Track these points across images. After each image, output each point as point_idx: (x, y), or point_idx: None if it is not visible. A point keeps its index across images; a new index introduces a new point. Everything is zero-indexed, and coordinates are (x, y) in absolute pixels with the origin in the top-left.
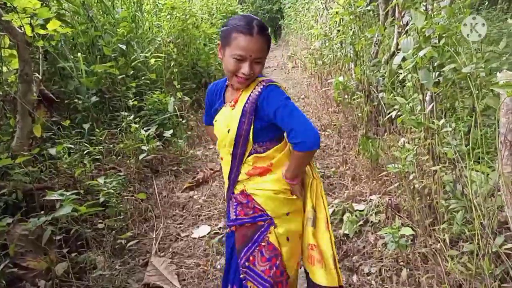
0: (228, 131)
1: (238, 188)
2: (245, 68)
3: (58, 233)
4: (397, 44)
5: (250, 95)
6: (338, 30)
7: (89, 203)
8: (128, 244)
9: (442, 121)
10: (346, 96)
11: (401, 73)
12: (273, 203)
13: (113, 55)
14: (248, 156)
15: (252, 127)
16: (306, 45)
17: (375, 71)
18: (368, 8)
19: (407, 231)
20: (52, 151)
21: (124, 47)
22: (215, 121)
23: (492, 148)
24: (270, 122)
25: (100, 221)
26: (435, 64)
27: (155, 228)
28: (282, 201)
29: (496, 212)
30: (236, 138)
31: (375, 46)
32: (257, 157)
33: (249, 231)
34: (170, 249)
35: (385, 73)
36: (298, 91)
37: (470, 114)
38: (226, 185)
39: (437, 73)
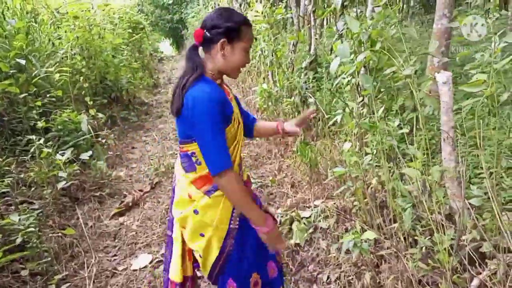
0: (239, 122)
1: (245, 175)
2: (249, 58)
3: None
4: (315, 50)
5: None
6: (256, 38)
7: (5, 247)
8: None
9: (397, 122)
10: (269, 104)
11: (329, 78)
12: None
13: (10, 71)
14: None
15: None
16: None
17: (296, 77)
18: (289, 15)
19: (370, 235)
20: None
21: (23, 62)
22: (234, 118)
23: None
24: None
25: (22, 266)
26: (368, 68)
27: (86, 264)
28: None
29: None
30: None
31: (292, 53)
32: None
33: None
34: (108, 287)
35: (309, 78)
36: None
37: (407, 115)
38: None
39: (376, 77)
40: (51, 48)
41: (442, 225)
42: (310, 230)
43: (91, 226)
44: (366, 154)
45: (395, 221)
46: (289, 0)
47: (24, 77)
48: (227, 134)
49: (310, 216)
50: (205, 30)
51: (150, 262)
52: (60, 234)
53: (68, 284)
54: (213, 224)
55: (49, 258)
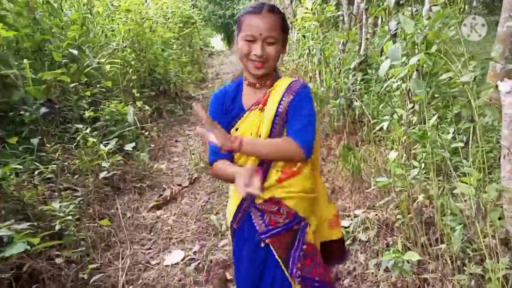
0: (259, 136)
1: (264, 196)
2: (256, 49)
3: (8, 271)
4: (365, 50)
5: (284, 94)
6: (304, 36)
7: (43, 233)
8: (92, 279)
9: (451, 134)
10: (315, 104)
11: (379, 81)
12: (304, 204)
13: (63, 61)
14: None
15: (285, 128)
16: None
17: (344, 78)
18: (340, 13)
19: (413, 256)
20: None
21: (75, 52)
22: (236, 129)
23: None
24: None
25: (58, 253)
26: (422, 73)
27: (120, 255)
28: (312, 199)
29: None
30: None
31: (341, 52)
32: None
33: (287, 238)
34: (140, 281)
35: (356, 80)
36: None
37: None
38: (239, 198)
39: (429, 82)
40: (104, 39)
41: (496, 251)
42: (348, 242)
43: (129, 217)
44: (414, 167)
45: (442, 242)
46: None
47: (75, 67)
48: None
49: (349, 226)
50: None
51: (182, 259)
52: (98, 223)
53: (101, 274)
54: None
55: (84, 248)
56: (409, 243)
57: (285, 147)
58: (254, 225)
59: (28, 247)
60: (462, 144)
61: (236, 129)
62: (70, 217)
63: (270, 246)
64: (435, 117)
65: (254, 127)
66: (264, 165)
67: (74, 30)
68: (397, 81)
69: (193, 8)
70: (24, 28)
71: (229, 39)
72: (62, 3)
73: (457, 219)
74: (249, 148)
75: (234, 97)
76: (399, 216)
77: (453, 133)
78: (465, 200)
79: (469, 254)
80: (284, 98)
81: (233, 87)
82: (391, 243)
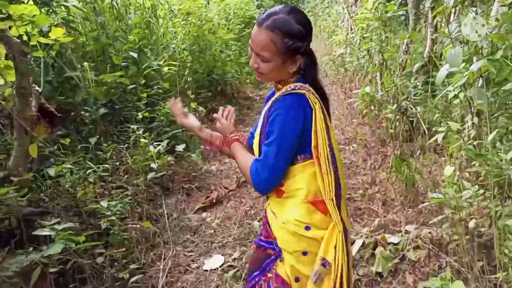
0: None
1: (266, 204)
2: (251, 59)
3: (55, 266)
4: (430, 52)
5: (273, 102)
6: (364, 37)
7: (89, 232)
8: (132, 279)
9: (511, 154)
10: (372, 108)
11: (441, 88)
12: (282, 234)
13: (124, 63)
14: None
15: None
16: (327, 51)
17: (405, 82)
18: (400, 13)
19: (460, 286)
20: (51, 171)
21: (135, 54)
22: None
23: None
24: None
25: (102, 251)
26: (484, 81)
27: (163, 256)
28: (293, 234)
29: None
30: (259, 146)
31: (404, 54)
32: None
33: (262, 255)
34: (179, 283)
35: (417, 84)
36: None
37: None
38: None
39: (492, 91)
40: (166, 42)
41: None
42: (396, 260)
43: (175, 218)
44: (465, 188)
45: (500, 269)
46: None
47: (134, 69)
48: None
49: (398, 243)
50: None
51: (221, 265)
52: (140, 225)
53: (141, 275)
54: None
55: (126, 247)
56: (463, 268)
57: (245, 171)
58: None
59: (73, 244)
60: None
61: None
62: (114, 217)
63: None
64: (495, 132)
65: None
66: None
67: (135, 33)
68: (454, 90)
69: (258, 9)
70: (90, 32)
71: None
72: (127, 8)
73: None
74: (233, 152)
75: (268, 97)
76: (454, 237)
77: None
78: None
79: None
80: (266, 108)
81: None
82: (444, 265)
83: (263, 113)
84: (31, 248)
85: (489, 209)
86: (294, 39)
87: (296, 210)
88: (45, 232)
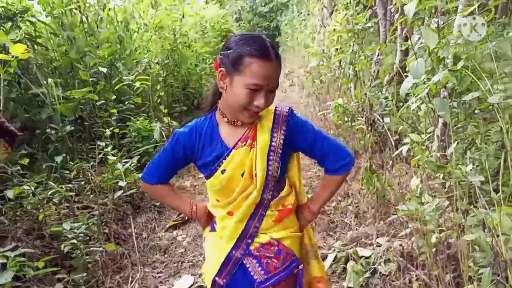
0: (255, 175)
1: (260, 241)
2: (260, 99)
3: None
4: (400, 63)
5: (274, 126)
6: (336, 49)
7: (51, 256)
8: None
9: (470, 166)
10: (346, 119)
11: (409, 99)
12: (296, 243)
13: (93, 78)
14: (271, 199)
15: (280, 164)
16: (303, 63)
17: (376, 93)
18: (369, 25)
19: None
20: (9, 193)
21: (104, 70)
22: (222, 172)
23: None
24: (292, 151)
25: (65, 276)
26: (448, 91)
27: (130, 279)
28: (297, 237)
29: None
30: (266, 181)
31: (375, 65)
32: (282, 198)
33: (290, 284)
34: None
35: (388, 95)
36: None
37: (496, 152)
38: (229, 245)
39: (455, 102)
40: (139, 56)
41: None
42: (367, 274)
43: (145, 238)
44: (427, 202)
45: (468, 282)
46: (377, 7)
47: (102, 85)
48: (210, 186)
49: (369, 257)
50: (219, 54)
51: (191, 286)
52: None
53: None
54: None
55: (90, 271)
56: (433, 281)
57: (341, 180)
58: (250, 275)
59: (30, 271)
60: (482, 179)
61: (222, 171)
62: (75, 241)
63: None
64: (455, 144)
65: (244, 166)
66: (261, 208)
67: (106, 48)
68: (416, 101)
69: (237, 22)
70: (58, 48)
71: None
72: (98, 23)
73: (487, 255)
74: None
75: (211, 135)
76: (423, 249)
77: (477, 163)
78: (497, 235)
79: None
80: (275, 131)
81: (206, 124)
82: (413, 279)
83: (261, 143)
84: None
85: (454, 219)
86: None
87: (295, 218)
88: None
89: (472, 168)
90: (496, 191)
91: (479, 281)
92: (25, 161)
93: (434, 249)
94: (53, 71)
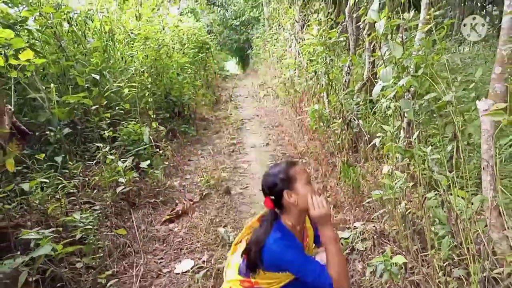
0: None
1: None
2: (311, 188)
3: (34, 274)
4: (368, 72)
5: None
6: (311, 60)
7: (65, 241)
8: (108, 284)
9: (429, 148)
10: (321, 124)
11: (378, 101)
12: None
13: (86, 85)
14: None
15: None
16: (276, 74)
17: (349, 99)
18: (341, 39)
19: (399, 259)
20: (25, 186)
21: (97, 77)
22: None
23: (473, 174)
24: None
25: (78, 259)
26: (411, 93)
27: (135, 264)
28: None
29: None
30: None
31: (346, 75)
32: None
33: None
34: (153, 287)
35: (359, 101)
36: (272, 119)
37: (450, 141)
38: None
39: (417, 101)
40: (124, 65)
41: (479, 256)
42: (347, 251)
43: (144, 230)
44: (397, 177)
45: (433, 248)
46: (347, 23)
47: (97, 91)
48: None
49: (348, 237)
50: (270, 196)
51: (192, 268)
52: (114, 234)
53: (116, 280)
54: None
55: (102, 254)
56: (403, 251)
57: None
58: None
59: (52, 252)
60: (438, 156)
61: None
62: (89, 227)
63: None
64: (417, 132)
65: None
66: None
67: (97, 56)
68: (386, 101)
69: (209, 34)
70: (50, 55)
71: (243, 63)
72: (85, 32)
73: (445, 227)
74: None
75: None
76: (394, 227)
77: (432, 148)
78: (454, 211)
79: (454, 259)
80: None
81: (287, 232)
82: (386, 251)
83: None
84: (18, 252)
85: (417, 197)
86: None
87: None
88: (32, 235)
89: (431, 150)
90: (450, 171)
91: (440, 248)
92: (41, 155)
93: (403, 225)
94: (43, 77)
